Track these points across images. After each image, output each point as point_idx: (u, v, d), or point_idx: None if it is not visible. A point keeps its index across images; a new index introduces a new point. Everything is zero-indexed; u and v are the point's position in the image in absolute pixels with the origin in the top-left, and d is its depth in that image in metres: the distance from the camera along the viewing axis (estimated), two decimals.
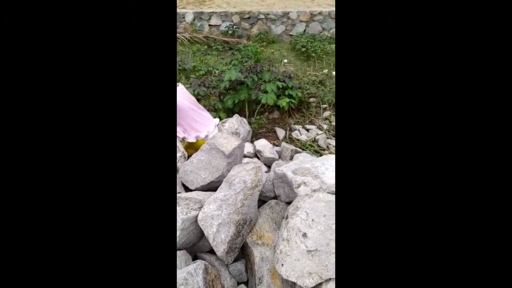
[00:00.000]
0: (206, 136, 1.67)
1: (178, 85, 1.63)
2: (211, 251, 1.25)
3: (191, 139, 1.63)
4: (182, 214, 1.13)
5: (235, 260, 1.19)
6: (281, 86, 2.45)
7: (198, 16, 4.93)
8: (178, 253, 1.14)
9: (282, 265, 0.92)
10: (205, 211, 1.13)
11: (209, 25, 4.93)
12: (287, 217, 1.04)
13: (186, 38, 4.33)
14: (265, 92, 2.36)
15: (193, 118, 1.62)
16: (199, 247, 1.29)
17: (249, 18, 4.84)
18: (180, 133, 1.61)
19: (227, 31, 4.67)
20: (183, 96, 1.65)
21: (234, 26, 4.74)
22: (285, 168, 1.32)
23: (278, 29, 4.80)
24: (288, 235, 0.96)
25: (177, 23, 4.97)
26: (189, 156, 1.55)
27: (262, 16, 4.81)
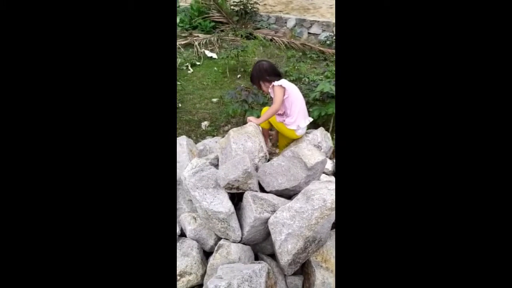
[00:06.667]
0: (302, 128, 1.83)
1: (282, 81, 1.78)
2: (272, 255, 1.27)
3: (294, 126, 1.78)
4: (256, 213, 1.18)
5: (293, 273, 1.18)
6: None
7: (300, 23, 5.01)
8: (244, 247, 1.19)
9: None
10: (278, 217, 1.14)
11: (309, 33, 4.96)
12: None
13: (283, 43, 4.46)
14: None
15: (303, 106, 1.85)
16: (260, 248, 1.32)
17: None
18: (292, 125, 1.78)
19: (325, 41, 4.62)
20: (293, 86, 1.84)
21: (334, 37, 4.66)
22: None
23: None
24: None
25: (278, 27, 5.17)
26: (270, 156, 1.60)
27: None
